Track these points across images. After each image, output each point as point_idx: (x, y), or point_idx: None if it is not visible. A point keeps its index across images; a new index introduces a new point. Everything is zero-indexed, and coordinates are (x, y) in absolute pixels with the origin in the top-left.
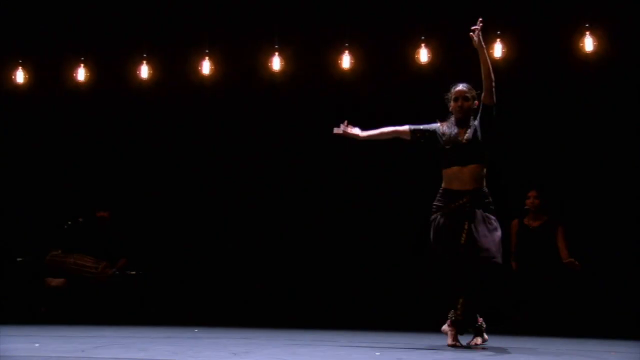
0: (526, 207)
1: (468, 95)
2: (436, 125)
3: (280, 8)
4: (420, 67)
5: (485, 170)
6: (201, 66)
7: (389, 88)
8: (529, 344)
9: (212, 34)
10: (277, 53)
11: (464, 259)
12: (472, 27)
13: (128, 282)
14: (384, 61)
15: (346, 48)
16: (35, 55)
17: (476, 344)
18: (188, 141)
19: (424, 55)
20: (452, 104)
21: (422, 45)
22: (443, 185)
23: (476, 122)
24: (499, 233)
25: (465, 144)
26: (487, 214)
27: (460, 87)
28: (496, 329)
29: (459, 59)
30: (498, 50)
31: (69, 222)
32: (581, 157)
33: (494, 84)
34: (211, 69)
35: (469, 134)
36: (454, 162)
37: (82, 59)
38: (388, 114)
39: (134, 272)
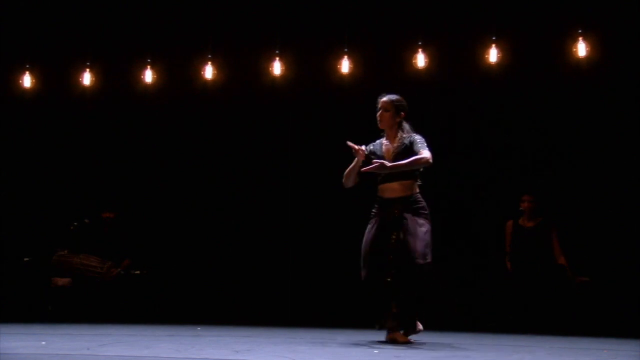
0: (521, 209)
1: (386, 106)
2: (373, 144)
3: (281, 14)
4: (418, 71)
5: (416, 180)
6: (204, 71)
7: (387, 92)
8: (523, 342)
9: (214, 40)
10: (278, 58)
11: (391, 265)
12: (371, 167)
13: (132, 282)
14: (382, 66)
15: (345, 53)
16: (41, 60)
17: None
18: (191, 144)
19: (421, 60)
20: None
21: (420, 50)
22: (378, 192)
23: (407, 141)
24: (427, 232)
25: (391, 162)
26: (417, 218)
27: (385, 97)
28: (490, 327)
29: (456, 63)
30: (493, 55)
31: (75, 223)
32: (575, 160)
33: (422, 164)
34: (214, 74)
35: (395, 150)
36: (383, 179)
37: (88, 63)
38: None
39: (138, 272)
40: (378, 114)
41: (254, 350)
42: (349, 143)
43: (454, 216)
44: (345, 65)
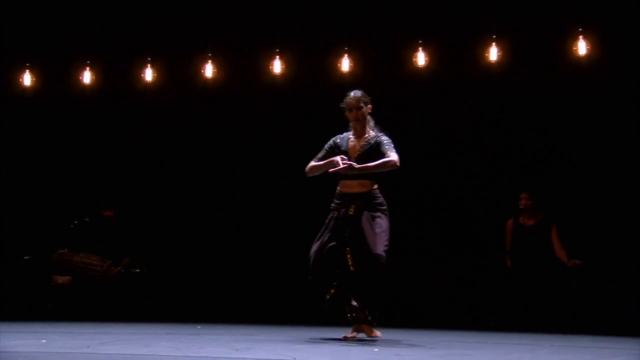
0: (520, 207)
1: (360, 104)
2: (340, 137)
3: (282, 13)
4: (418, 70)
5: (375, 179)
6: (204, 69)
7: (387, 91)
8: (523, 340)
9: (215, 38)
10: (278, 57)
11: (345, 258)
12: (340, 169)
13: (133, 280)
14: (382, 65)
15: (345, 52)
16: (42, 58)
17: (353, 337)
18: (191, 142)
19: (421, 58)
20: (347, 114)
21: (420, 48)
22: (338, 186)
23: (373, 141)
24: (384, 227)
25: (355, 161)
26: (374, 213)
27: (352, 96)
28: (490, 326)
29: (456, 62)
30: (494, 53)
31: (76, 222)
32: (575, 158)
33: (389, 167)
34: (214, 72)
35: (360, 149)
36: (343, 176)
37: (88, 62)
38: (387, 114)
39: (138, 270)
40: (351, 113)
41: (254, 349)
42: (339, 161)
43: (454, 216)
44: (345, 64)
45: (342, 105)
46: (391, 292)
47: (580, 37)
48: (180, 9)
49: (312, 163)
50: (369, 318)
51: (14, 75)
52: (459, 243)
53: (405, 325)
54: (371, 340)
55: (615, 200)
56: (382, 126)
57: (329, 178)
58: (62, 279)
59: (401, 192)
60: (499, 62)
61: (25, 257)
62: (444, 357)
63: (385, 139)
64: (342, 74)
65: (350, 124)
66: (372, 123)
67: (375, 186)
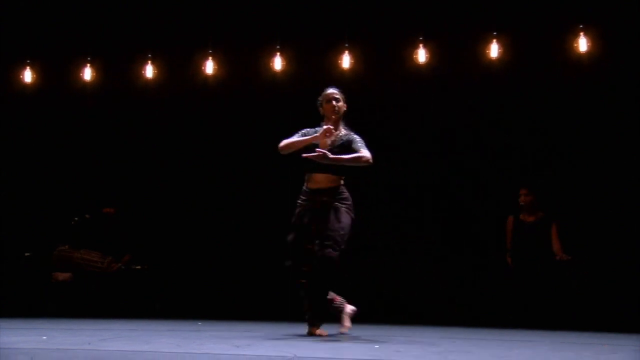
0: (520, 203)
1: (338, 96)
2: (312, 130)
3: (282, 10)
4: (419, 67)
5: (342, 176)
6: (205, 66)
7: (387, 87)
8: (524, 337)
9: (215, 35)
10: (278, 53)
11: (311, 251)
12: (313, 155)
13: (133, 277)
14: (383, 62)
15: (346, 48)
16: (42, 55)
17: (342, 332)
18: (192, 139)
19: (422, 55)
20: (325, 106)
21: (421, 45)
22: (305, 181)
23: (345, 139)
24: (346, 223)
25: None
26: (339, 208)
27: (331, 90)
28: (493, 323)
29: (457, 59)
30: (494, 50)
31: (76, 218)
32: (576, 155)
33: (362, 162)
34: (214, 69)
35: (332, 144)
36: (312, 168)
37: (89, 59)
38: (387, 112)
39: (139, 267)
40: (329, 104)
41: (255, 345)
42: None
43: (454, 216)
44: (346, 61)
45: (320, 99)
46: (339, 289)
47: (581, 33)
48: (181, 6)
49: (288, 140)
50: (320, 313)
51: (15, 72)
52: (459, 243)
53: (404, 322)
54: (373, 338)
55: (616, 198)
56: (381, 124)
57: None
58: (62, 276)
59: (401, 192)
60: (500, 59)
61: (26, 254)
62: (444, 353)
63: (357, 137)
64: (342, 71)
65: (322, 123)
66: (343, 123)
67: (342, 182)
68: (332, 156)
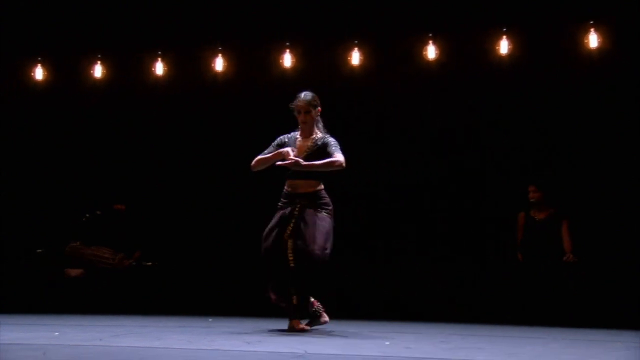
0: (530, 200)
1: (308, 108)
2: (288, 137)
3: (291, 6)
4: (428, 63)
5: (321, 180)
6: (214, 63)
7: (397, 84)
8: (535, 333)
9: (225, 32)
10: (288, 50)
11: (286, 252)
12: (287, 163)
13: (144, 273)
14: (392, 58)
15: (356, 45)
16: (53, 52)
17: (310, 327)
18: (202, 135)
19: (431, 51)
20: (295, 114)
21: (430, 42)
22: (285, 186)
23: (320, 142)
24: (327, 226)
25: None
26: (318, 212)
27: (302, 98)
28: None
29: (466, 55)
30: (504, 46)
31: (88, 215)
32: (587, 151)
33: (335, 167)
34: (224, 66)
35: (307, 150)
36: (292, 174)
37: (99, 56)
38: (396, 108)
39: (150, 263)
40: (299, 115)
41: (265, 342)
42: (289, 151)
43: (454, 216)
44: (355, 57)
45: (292, 106)
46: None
47: (592, 29)
48: (191, 2)
49: (259, 157)
50: (305, 312)
51: (26, 69)
52: (459, 243)
53: (413, 319)
54: (382, 334)
55: (628, 195)
56: (390, 118)
57: (342, 176)
58: (74, 272)
59: (401, 192)
60: (510, 55)
61: (38, 250)
62: (454, 350)
63: (332, 140)
64: (352, 67)
65: (298, 128)
66: (320, 125)
67: (321, 187)
68: (304, 163)
